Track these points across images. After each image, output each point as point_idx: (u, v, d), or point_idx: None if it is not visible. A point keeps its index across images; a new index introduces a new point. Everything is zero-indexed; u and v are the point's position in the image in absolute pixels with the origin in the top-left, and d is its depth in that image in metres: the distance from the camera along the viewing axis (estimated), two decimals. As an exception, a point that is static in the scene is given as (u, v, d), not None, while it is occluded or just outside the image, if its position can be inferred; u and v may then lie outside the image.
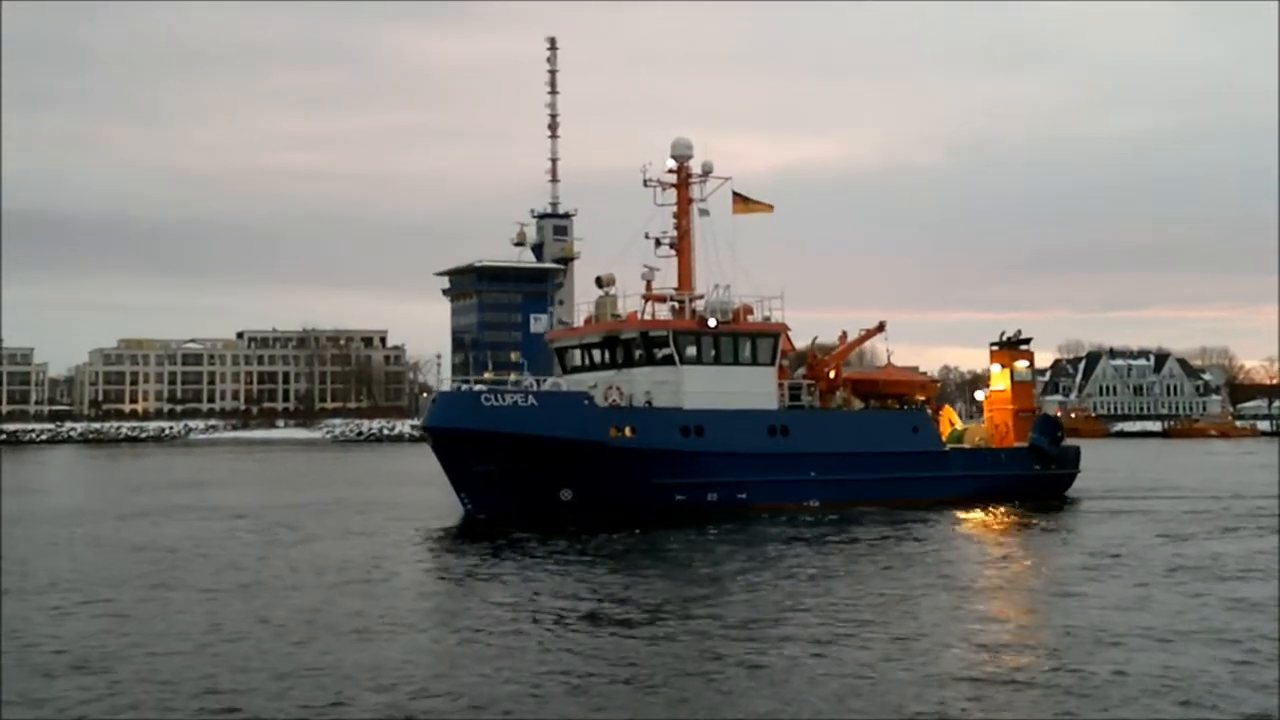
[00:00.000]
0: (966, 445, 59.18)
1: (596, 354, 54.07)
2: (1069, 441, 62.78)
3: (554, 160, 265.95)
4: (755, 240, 62.60)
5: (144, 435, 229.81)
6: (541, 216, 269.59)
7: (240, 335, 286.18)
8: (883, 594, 29.02)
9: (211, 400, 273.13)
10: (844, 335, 58.89)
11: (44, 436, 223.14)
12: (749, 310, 54.89)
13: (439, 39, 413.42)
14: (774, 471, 51.63)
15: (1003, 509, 52.84)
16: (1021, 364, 61.38)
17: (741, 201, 55.63)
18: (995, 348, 62.20)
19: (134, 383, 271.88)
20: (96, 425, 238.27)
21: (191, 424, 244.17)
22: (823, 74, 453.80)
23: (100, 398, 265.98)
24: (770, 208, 57.15)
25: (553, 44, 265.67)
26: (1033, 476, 58.52)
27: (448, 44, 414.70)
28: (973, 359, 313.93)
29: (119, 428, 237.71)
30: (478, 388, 51.06)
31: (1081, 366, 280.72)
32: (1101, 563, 34.69)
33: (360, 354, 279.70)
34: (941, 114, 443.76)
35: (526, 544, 39.31)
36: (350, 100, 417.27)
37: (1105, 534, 42.73)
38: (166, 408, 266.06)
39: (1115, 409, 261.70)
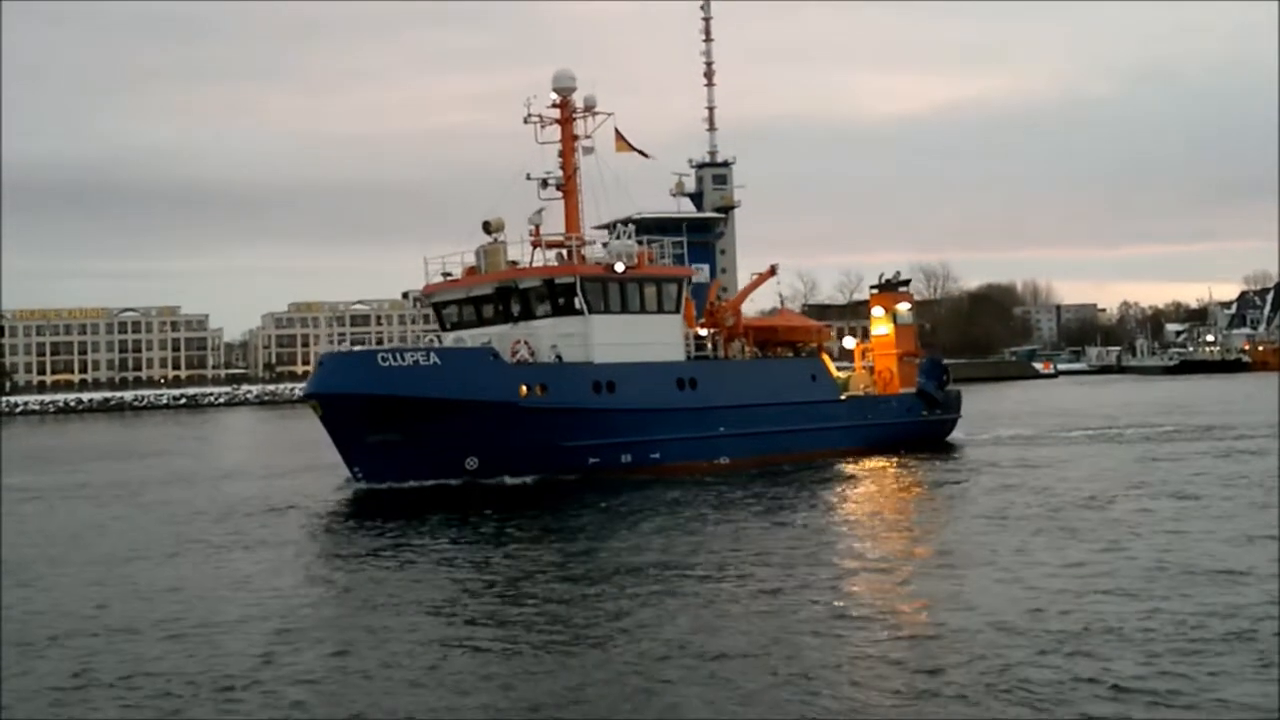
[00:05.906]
0: (854, 393, 54.71)
1: (487, 308, 49.90)
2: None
3: (711, 109, 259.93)
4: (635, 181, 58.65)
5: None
6: (700, 166, 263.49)
7: (405, 295, 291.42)
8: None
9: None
10: (717, 281, 55.14)
11: (221, 399, 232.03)
12: (650, 255, 51.90)
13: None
14: (685, 428, 47.76)
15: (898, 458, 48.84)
16: (903, 306, 56.45)
17: (623, 141, 52.53)
18: (875, 291, 57.42)
19: (305, 345, 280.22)
20: (271, 387, 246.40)
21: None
22: (987, 7, 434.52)
23: (274, 360, 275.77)
24: (648, 156, 53.99)
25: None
26: (921, 422, 54.12)
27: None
28: (1155, 294, 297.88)
29: (293, 389, 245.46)
30: (370, 348, 49.26)
31: (1270, 298, 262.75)
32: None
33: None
34: (1118, 43, 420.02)
35: (433, 522, 35.15)
36: (507, 58, 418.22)
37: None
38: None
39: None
